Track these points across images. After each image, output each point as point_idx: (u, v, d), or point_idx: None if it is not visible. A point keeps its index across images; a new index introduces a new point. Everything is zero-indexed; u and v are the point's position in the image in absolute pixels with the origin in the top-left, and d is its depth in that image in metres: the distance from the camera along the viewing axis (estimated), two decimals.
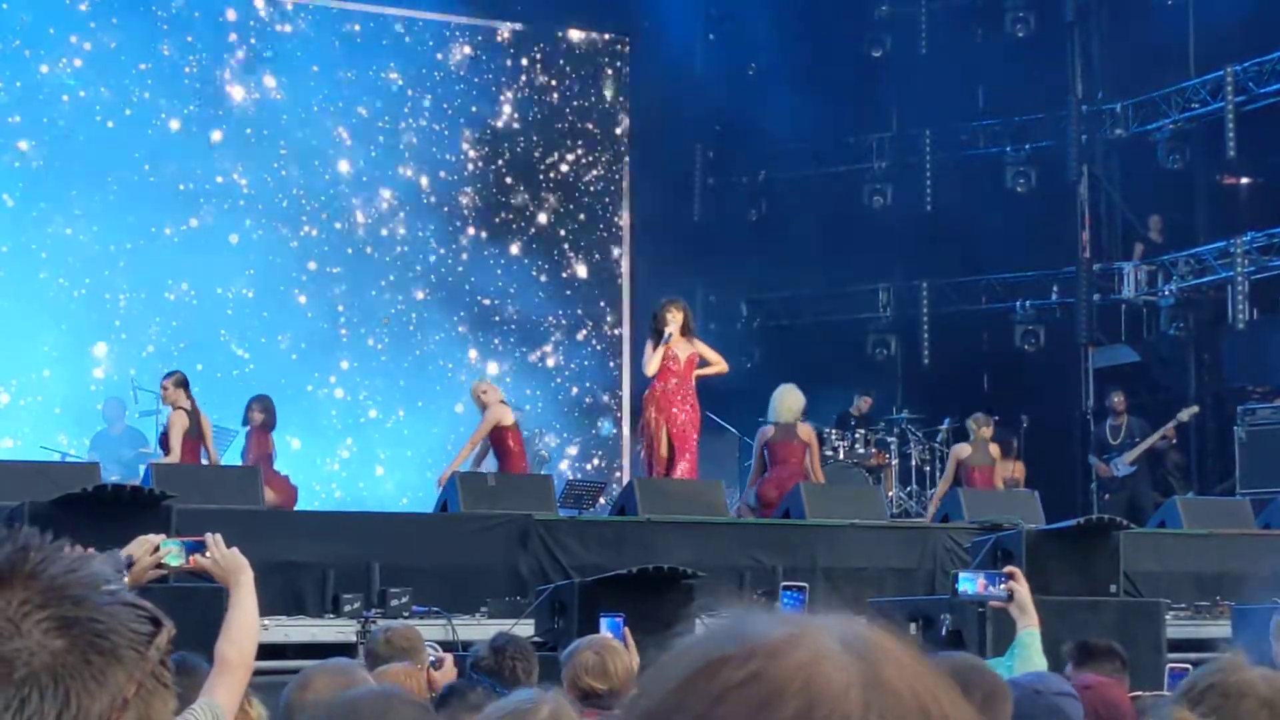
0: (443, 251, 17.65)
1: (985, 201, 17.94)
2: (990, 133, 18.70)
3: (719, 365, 12.31)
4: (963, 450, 13.93)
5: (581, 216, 18.51)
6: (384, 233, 17.50)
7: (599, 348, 18.36)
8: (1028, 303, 18.21)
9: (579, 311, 18.28)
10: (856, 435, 16.12)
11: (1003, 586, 5.45)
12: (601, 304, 18.53)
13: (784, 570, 10.54)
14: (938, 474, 16.59)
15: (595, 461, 18.16)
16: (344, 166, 17.34)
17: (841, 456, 15.67)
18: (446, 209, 17.72)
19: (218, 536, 4.20)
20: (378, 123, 17.42)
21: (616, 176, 18.84)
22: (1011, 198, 18.30)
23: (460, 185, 17.83)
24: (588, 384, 18.23)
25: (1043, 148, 18.40)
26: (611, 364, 18.47)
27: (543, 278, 17.96)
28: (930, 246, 18.47)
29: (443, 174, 17.73)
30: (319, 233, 17.19)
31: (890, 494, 15.72)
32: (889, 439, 16.51)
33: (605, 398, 18.38)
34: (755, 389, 14.23)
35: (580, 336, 18.29)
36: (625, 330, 18.51)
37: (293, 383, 16.20)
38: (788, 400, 12.71)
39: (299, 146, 17.05)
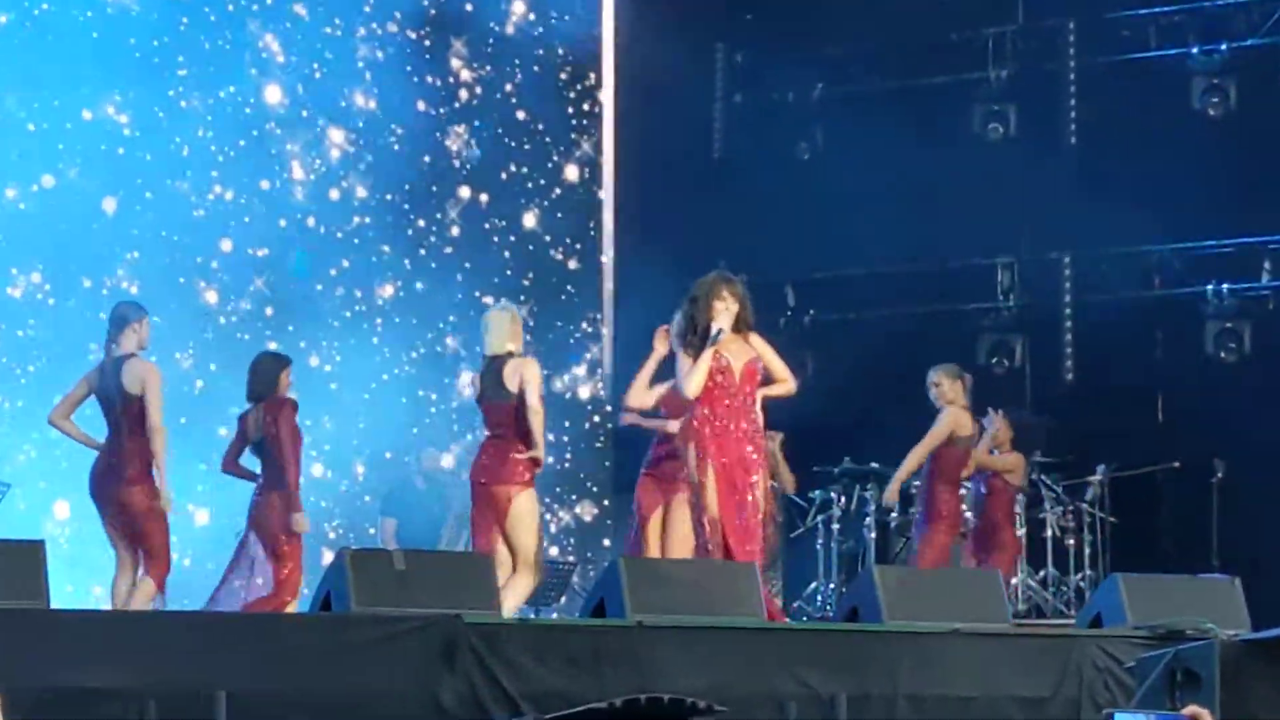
0: (423, 253, 18.59)
1: (1159, 131, 17.96)
2: (1168, 26, 18.73)
3: (786, 383, 12.13)
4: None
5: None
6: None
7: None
8: (1224, 286, 18.28)
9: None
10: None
11: None
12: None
13: (849, 701, 10.50)
14: (1085, 550, 16.61)
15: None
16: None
17: None
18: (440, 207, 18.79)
19: None
20: (358, 139, 18.44)
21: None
22: (1200, 123, 18.37)
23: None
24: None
25: (1247, 49, 18.40)
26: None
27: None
28: (1072, 202, 18.50)
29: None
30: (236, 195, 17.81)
31: (1014, 581, 15.68)
32: None
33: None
34: (805, 412, 14.10)
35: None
36: (607, 330, 18.65)
37: (198, 419, 16.39)
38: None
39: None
